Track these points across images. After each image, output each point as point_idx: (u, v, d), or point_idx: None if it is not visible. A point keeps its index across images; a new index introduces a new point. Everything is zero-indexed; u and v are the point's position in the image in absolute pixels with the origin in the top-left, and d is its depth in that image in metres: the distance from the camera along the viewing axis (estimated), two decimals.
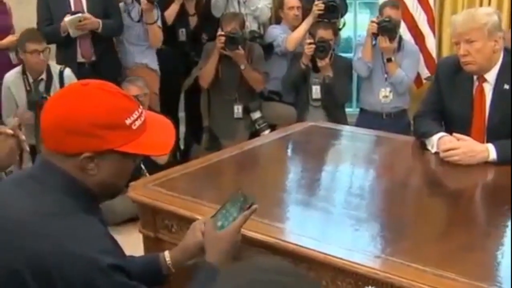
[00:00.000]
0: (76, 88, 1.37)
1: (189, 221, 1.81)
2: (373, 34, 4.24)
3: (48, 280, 1.23)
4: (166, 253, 1.62)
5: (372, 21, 4.26)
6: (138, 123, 1.37)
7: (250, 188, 1.64)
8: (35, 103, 3.78)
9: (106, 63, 4.30)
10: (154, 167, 2.96)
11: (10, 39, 4.16)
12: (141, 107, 1.41)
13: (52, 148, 1.35)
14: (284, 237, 1.74)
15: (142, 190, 2.07)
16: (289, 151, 2.84)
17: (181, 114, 4.93)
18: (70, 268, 1.23)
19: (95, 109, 1.31)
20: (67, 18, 4.03)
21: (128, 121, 1.35)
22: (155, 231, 2.01)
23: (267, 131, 4.25)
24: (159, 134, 1.43)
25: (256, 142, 2.89)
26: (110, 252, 1.29)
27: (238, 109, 4.38)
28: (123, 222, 3.42)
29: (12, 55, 4.24)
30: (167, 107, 4.58)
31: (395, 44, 4.23)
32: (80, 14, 4.06)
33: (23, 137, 1.92)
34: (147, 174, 3.26)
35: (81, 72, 4.08)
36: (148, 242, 2.05)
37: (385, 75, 4.33)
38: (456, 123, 2.57)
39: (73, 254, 1.24)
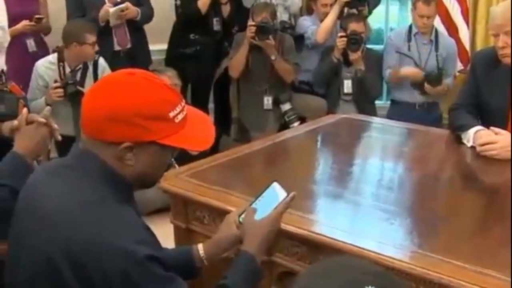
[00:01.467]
0: (122, 77, 1.36)
1: (220, 212, 1.81)
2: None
3: (83, 270, 1.23)
4: (200, 246, 1.61)
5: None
6: (180, 116, 1.36)
7: (281, 180, 1.63)
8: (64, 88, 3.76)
9: (139, 51, 4.34)
10: (183, 158, 2.94)
11: (24, 23, 3.94)
12: (183, 100, 1.40)
13: (91, 135, 1.34)
14: (317, 229, 1.72)
15: (174, 180, 2.06)
16: (319, 143, 2.81)
17: (210, 105, 4.91)
18: (106, 259, 1.22)
19: (141, 99, 1.30)
20: (112, 9, 4.08)
21: (171, 114, 1.34)
22: (186, 222, 2.01)
23: (296, 123, 4.21)
24: (199, 128, 1.42)
25: (287, 134, 2.88)
26: (147, 243, 1.28)
27: (268, 101, 4.33)
28: (153, 212, 3.42)
29: (29, 42, 4.11)
30: (198, 98, 4.58)
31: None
32: (123, 5, 4.13)
33: (56, 126, 1.91)
34: (176, 165, 3.25)
35: (115, 60, 4.10)
36: (179, 233, 2.05)
37: None
38: (494, 117, 2.51)
39: (109, 245, 1.23)
